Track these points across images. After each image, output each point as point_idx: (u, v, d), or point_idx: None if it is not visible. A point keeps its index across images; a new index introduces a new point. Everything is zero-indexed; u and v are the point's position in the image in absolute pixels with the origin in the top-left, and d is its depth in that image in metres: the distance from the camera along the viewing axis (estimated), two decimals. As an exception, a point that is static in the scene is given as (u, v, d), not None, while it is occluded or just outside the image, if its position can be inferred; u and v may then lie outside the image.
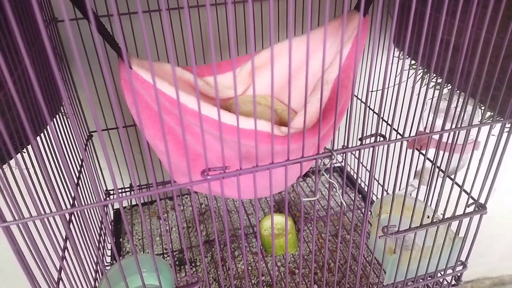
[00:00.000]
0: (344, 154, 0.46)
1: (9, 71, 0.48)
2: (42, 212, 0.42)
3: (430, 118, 0.73)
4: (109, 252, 0.84)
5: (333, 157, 0.44)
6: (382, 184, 0.52)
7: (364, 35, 0.64)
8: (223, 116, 0.52)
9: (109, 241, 0.87)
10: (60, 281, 0.52)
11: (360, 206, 0.93)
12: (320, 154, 0.44)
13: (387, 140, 0.47)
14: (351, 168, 1.05)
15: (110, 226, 0.89)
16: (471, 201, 0.61)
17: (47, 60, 0.59)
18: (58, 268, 0.53)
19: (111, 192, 0.93)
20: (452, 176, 0.62)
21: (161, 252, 0.83)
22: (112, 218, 0.92)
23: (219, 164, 0.56)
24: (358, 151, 0.47)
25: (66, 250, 0.57)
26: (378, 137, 0.47)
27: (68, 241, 0.60)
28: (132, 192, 0.95)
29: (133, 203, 0.98)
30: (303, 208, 0.92)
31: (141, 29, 0.78)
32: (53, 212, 0.41)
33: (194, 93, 0.63)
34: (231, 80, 0.71)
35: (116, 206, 0.98)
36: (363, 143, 0.46)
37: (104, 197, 0.90)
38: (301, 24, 0.88)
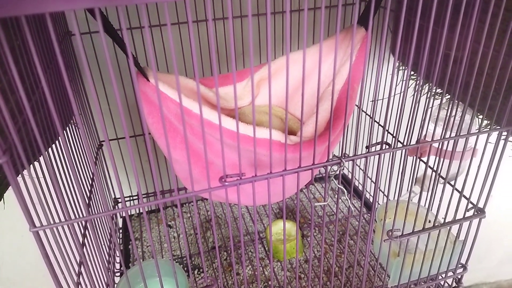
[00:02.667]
0: (352, 162, 0.48)
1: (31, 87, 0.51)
2: (60, 219, 0.45)
3: (430, 127, 0.76)
4: (117, 259, 0.86)
5: (342, 164, 0.47)
6: (385, 190, 0.54)
7: (366, 48, 0.66)
8: (235, 126, 0.55)
9: (119, 248, 0.89)
10: (79, 285, 0.54)
11: (362, 212, 0.96)
12: (330, 161, 0.47)
13: (392, 148, 0.49)
14: (352, 175, 1.08)
15: (119, 234, 0.91)
16: (470, 205, 0.64)
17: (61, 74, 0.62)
18: (77, 273, 0.55)
19: (119, 200, 0.95)
20: (452, 182, 0.65)
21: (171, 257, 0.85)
22: (120, 226, 0.94)
23: (229, 171, 0.59)
24: (364, 158, 0.50)
25: (83, 256, 0.59)
26: (383, 145, 0.50)
27: (84, 247, 0.62)
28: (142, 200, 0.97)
29: (140, 210, 1.00)
30: (300, 213, 0.94)
31: (150, 41, 0.81)
32: (78, 218, 0.43)
33: (206, 104, 0.66)
34: (239, 90, 0.74)
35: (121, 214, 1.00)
36: (369, 151, 0.49)
37: (113, 204, 0.92)
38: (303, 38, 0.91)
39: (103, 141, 0.87)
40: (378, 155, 0.50)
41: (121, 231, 0.94)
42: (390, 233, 0.58)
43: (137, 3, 0.31)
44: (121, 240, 0.91)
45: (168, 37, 0.68)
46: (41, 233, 0.42)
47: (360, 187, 1.02)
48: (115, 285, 0.67)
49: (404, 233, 0.59)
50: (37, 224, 0.42)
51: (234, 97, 0.73)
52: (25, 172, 0.42)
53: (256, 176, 0.45)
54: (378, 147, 0.50)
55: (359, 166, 1.03)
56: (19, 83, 0.34)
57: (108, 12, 0.74)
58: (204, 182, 0.62)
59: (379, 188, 0.99)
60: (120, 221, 0.96)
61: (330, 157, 0.50)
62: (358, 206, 0.96)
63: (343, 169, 0.48)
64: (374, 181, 0.85)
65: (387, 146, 0.49)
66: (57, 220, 0.44)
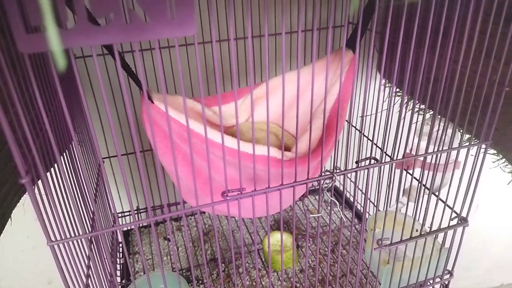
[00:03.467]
0: (344, 175, 0.53)
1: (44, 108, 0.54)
2: (69, 235, 0.48)
3: (415, 141, 0.81)
4: (118, 272, 0.89)
5: (334, 178, 0.51)
6: (375, 202, 0.58)
7: (353, 70, 0.71)
8: (234, 143, 0.59)
9: (119, 262, 0.91)
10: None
11: (353, 223, 1.00)
12: (323, 176, 0.51)
13: (380, 162, 0.54)
14: (343, 187, 1.12)
15: (119, 248, 0.94)
16: (454, 215, 0.68)
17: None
18: (85, 284, 0.57)
19: (119, 215, 0.98)
20: (437, 193, 0.69)
21: (170, 270, 0.88)
22: (120, 240, 0.97)
23: (229, 186, 0.63)
24: (355, 172, 0.54)
25: (90, 268, 0.62)
26: (372, 160, 0.54)
27: (90, 260, 0.65)
28: (151, 214, 1.00)
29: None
30: (296, 225, 0.98)
31: (161, 64, 0.85)
32: (90, 232, 0.47)
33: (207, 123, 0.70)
34: (234, 109, 0.78)
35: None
36: (359, 165, 0.53)
37: (112, 219, 0.94)
38: (296, 59, 0.96)
39: (104, 158, 0.90)
40: (367, 169, 0.54)
41: (120, 244, 0.96)
42: (380, 242, 0.62)
43: (151, 39, 0.35)
44: (121, 254, 0.94)
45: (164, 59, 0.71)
46: (59, 246, 0.45)
47: (351, 199, 1.06)
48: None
49: (393, 242, 0.63)
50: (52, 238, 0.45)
51: (234, 114, 0.76)
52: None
53: (255, 190, 0.49)
54: (367, 161, 0.54)
55: (350, 179, 1.07)
56: (40, 100, 0.37)
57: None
58: (204, 197, 0.65)
59: (369, 199, 1.04)
60: (119, 235, 0.99)
61: (323, 171, 0.54)
62: (349, 217, 1.00)
63: (335, 182, 0.52)
64: (364, 192, 0.89)
65: (375, 161, 0.53)
66: (65, 236, 0.47)
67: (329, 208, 1.05)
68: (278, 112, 0.80)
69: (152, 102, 0.58)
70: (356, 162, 0.53)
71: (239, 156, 0.45)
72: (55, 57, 0.35)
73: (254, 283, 0.83)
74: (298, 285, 0.83)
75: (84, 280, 0.58)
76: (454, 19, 0.52)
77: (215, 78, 0.40)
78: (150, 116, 0.40)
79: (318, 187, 0.80)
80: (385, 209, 0.62)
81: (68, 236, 0.47)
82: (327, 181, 0.52)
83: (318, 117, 0.66)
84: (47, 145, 0.55)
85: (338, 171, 0.52)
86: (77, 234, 0.54)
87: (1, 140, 0.48)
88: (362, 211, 1.01)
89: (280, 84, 0.75)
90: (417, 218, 0.66)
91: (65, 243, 0.46)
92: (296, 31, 0.93)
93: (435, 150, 0.60)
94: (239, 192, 0.48)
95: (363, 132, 0.53)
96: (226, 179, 0.47)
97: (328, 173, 0.51)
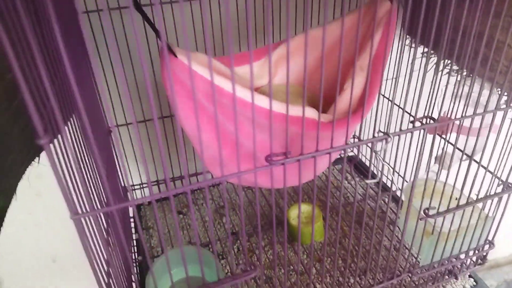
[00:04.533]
0: (397, 137, 0.47)
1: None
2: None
3: (451, 104, 0.75)
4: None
5: (389, 139, 0.45)
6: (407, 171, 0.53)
7: (393, 22, 0.64)
8: (267, 104, 0.53)
9: (133, 238, 0.86)
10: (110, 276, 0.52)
11: (391, 193, 0.95)
12: (376, 137, 0.45)
13: (436, 122, 0.48)
14: (364, 156, 1.06)
15: (131, 223, 0.88)
16: (498, 182, 0.63)
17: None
18: (106, 261, 0.52)
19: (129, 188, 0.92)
20: (477, 159, 0.64)
21: (188, 245, 0.83)
22: (132, 214, 0.91)
23: (259, 153, 0.57)
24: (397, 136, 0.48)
25: (109, 244, 0.57)
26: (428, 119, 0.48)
27: (109, 236, 0.59)
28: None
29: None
30: (317, 196, 0.93)
31: (182, 19, 0.77)
32: (112, 206, 0.41)
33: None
34: (258, 69, 0.71)
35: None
36: (414, 126, 0.47)
37: (124, 193, 0.89)
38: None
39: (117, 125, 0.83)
40: (422, 130, 0.48)
41: (132, 219, 0.91)
42: (427, 211, 0.57)
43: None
44: (133, 229, 0.88)
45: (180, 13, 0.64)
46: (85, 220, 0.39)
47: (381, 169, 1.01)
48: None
49: (439, 211, 0.58)
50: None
51: (258, 76, 0.70)
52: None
53: (302, 154, 0.43)
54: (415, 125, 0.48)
55: (376, 152, 1.02)
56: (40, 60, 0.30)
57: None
58: (232, 165, 0.60)
59: (396, 171, 0.98)
60: (130, 210, 0.93)
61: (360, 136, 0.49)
62: (377, 191, 0.95)
63: (388, 143, 0.46)
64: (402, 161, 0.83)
65: (433, 121, 0.47)
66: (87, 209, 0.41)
67: (347, 178, 1.00)
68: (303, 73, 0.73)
69: (176, 57, 0.51)
70: (412, 122, 0.47)
71: (287, 118, 0.39)
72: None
73: (279, 257, 0.79)
74: (325, 259, 0.79)
75: (105, 255, 0.53)
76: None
77: (247, 34, 0.34)
78: (169, 71, 0.33)
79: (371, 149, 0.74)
80: (419, 178, 0.57)
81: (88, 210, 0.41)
82: (380, 143, 0.46)
83: (356, 74, 0.60)
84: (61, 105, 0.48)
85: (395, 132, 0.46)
86: (92, 209, 0.48)
87: (7, 98, 0.41)
88: (390, 184, 0.96)
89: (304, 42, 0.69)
90: (454, 186, 0.60)
91: (90, 216, 0.40)
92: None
93: (480, 112, 0.54)
94: (285, 157, 0.42)
95: (407, 97, 0.47)
96: (272, 143, 0.41)
97: (382, 133, 0.45)
